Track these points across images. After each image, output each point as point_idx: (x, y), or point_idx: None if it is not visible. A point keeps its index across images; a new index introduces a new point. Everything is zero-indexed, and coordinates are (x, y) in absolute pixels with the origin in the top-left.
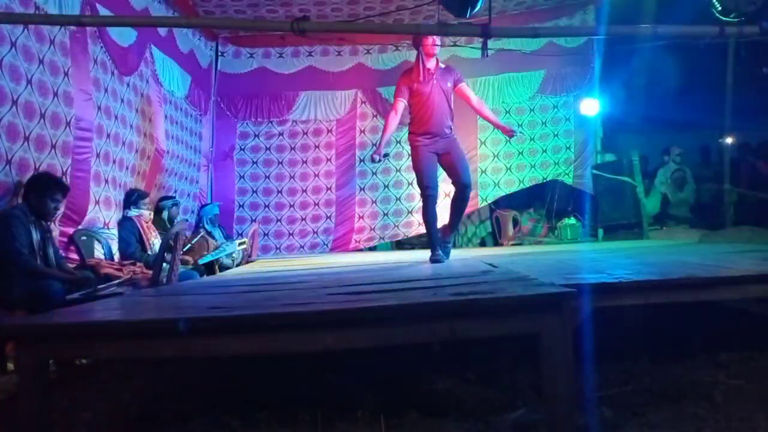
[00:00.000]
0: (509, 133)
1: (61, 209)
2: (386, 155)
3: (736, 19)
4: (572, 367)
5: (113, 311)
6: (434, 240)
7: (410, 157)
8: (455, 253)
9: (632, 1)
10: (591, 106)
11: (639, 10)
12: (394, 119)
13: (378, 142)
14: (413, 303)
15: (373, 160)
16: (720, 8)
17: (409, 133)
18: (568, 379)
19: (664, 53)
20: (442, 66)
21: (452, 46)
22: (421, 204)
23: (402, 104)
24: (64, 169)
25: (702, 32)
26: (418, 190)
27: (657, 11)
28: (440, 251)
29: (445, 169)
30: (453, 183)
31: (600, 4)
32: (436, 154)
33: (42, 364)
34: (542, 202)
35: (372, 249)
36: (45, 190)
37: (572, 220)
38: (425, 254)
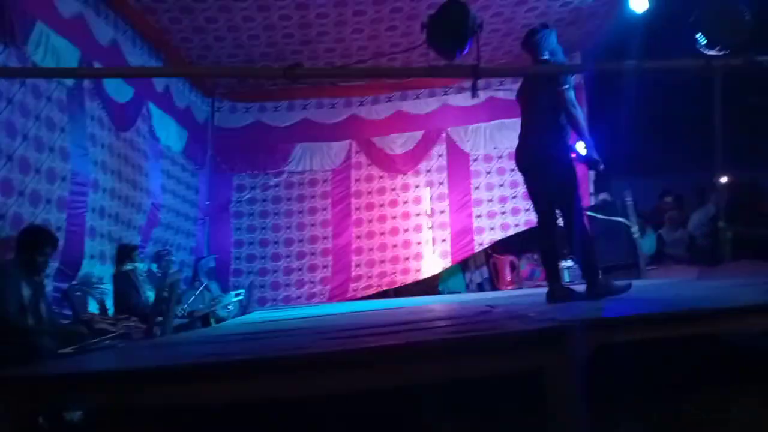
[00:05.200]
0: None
1: (52, 262)
2: None
3: (722, 52)
4: (578, 403)
5: (104, 361)
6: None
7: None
8: (453, 297)
9: (616, 45)
10: (580, 149)
11: (624, 54)
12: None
13: (580, 132)
14: (411, 342)
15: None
16: (705, 42)
17: (565, 143)
18: (575, 416)
19: (652, 95)
20: None
21: (443, 95)
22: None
23: None
24: (59, 225)
25: (688, 65)
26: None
27: (642, 52)
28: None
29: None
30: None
31: (585, 50)
32: None
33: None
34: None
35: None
36: (32, 244)
37: (569, 263)
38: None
